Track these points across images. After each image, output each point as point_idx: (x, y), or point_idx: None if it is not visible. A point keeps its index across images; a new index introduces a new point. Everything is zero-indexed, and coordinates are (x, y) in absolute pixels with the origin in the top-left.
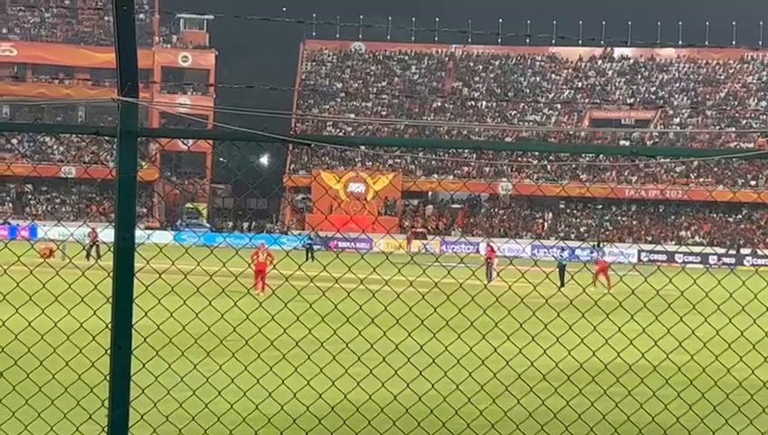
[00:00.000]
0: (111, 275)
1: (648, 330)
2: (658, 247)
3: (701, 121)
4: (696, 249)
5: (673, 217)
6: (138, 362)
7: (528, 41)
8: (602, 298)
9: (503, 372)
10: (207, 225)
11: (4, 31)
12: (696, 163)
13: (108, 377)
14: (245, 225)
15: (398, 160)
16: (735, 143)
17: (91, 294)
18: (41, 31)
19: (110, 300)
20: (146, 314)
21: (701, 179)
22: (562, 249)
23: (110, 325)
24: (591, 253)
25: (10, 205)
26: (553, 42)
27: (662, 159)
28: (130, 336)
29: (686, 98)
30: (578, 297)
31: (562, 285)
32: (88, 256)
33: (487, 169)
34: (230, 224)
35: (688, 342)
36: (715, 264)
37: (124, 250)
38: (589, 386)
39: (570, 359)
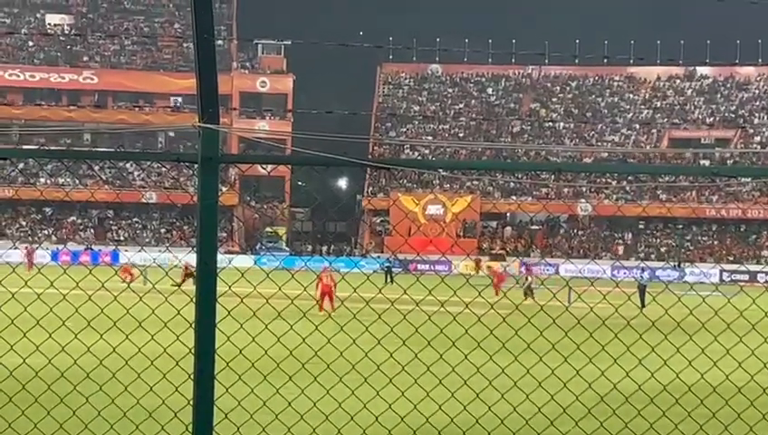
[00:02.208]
0: (194, 300)
1: (732, 351)
2: (740, 268)
3: None
4: None
5: (755, 237)
6: (221, 386)
7: (606, 61)
8: (685, 319)
9: (585, 395)
10: (287, 249)
11: (86, 59)
12: None
13: (191, 402)
14: (324, 248)
15: (476, 182)
16: None
17: (174, 320)
18: (121, 58)
19: (193, 325)
20: (228, 338)
21: None
22: (642, 270)
23: (193, 350)
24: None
25: (92, 231)
26: (631, 62)
27: (743, 179)
28: (213, 361)
29: (766, 117)
30: (660, 318)
31: (643, 306)
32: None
33: (566, 190)
34: (309, 247)
35: None
36: None
37: (206, 275)
38: (672, 408)
39: (653, 380)
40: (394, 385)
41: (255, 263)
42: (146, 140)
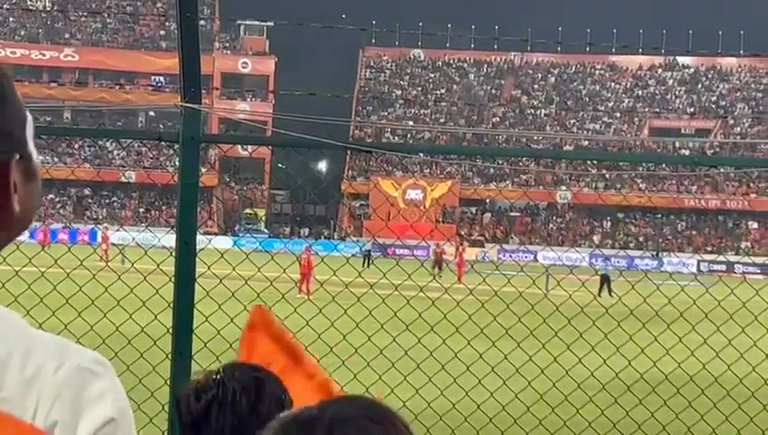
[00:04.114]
0: (172, 280)
1: (709, 341)
2: (719, 258)
3: (763, 131)
4: (758, 260)
5: (733, 227)
6: (198, 366)
7: (588, 49)
8: (663, 308)
9: (562, 382)
10: (265, 231)
11: (67, 36)
12: (756, 173)
13: (168, 382)
14: (304, 231)
15: (457, 168)
16: None
17: (152, 299)
18: (102, 36)
19: (172, 305)
20: (206, 319)
21: (761, 185)
22: (606, 259)
23: (170, 330)
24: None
25: (71, 209)
26: (613, 50)
27: (723, 169)
28: (191, 341)
29: (747, 107)
30: (638, 307)
31: (609, 294)
32: None
33: (546, 177)
34: (288, 230)
35: (750, 353)
36: None
37: (185, 255)
38: (649, 396)
39: (630, 369)
40: (371, 368)
41: (234, 244)
42: (126, 119)
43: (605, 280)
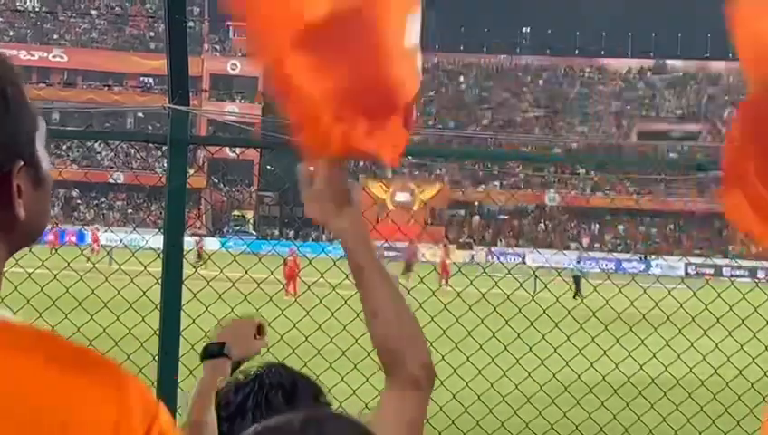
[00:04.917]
0: (160, 281)
1: (696, 344)
2: (706, 261)
3: None
4: (745, 263)
5: (720, 230)
6: (185, 368)
7: (577, 52)
8: (650, 312)
9: (549, 385)
10: (254, 232)
11: (56, 37)
12: None
13: (155, 383)
14: (291, 233)
15: (445, 170)
16: None
17: (139, 301)
18: (91, 37)
19: (159, 307)
20: (193, 320)
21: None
22: (578, 260)
23: (157, 332)
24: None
25: (59, 210)
26: (602, 53)
27: (712, 173)
28: (178, 343)
29: (736, 111)
30: (625, 310)
31: (580, 296)
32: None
33: (534, 179)
34: (276, 232)
35: (737, 357)
36: (764, 278)
37: (173, 257)
38: (636, 400)
39: (617, 372)
40: (359, 371)
41: (222, 246)
42: (115, 120)
43: (576, 281)
